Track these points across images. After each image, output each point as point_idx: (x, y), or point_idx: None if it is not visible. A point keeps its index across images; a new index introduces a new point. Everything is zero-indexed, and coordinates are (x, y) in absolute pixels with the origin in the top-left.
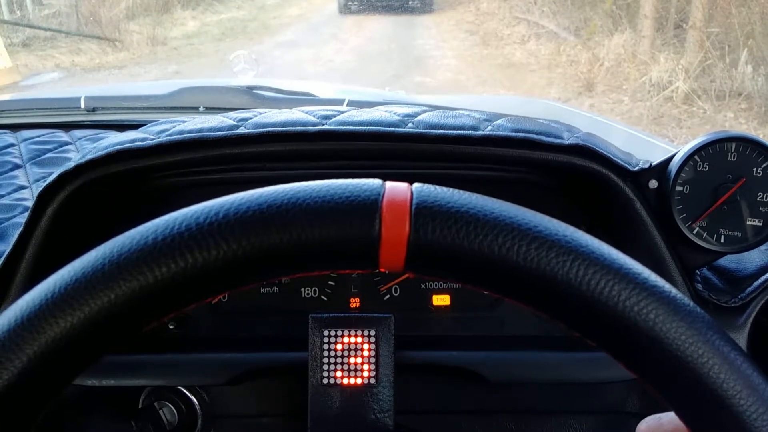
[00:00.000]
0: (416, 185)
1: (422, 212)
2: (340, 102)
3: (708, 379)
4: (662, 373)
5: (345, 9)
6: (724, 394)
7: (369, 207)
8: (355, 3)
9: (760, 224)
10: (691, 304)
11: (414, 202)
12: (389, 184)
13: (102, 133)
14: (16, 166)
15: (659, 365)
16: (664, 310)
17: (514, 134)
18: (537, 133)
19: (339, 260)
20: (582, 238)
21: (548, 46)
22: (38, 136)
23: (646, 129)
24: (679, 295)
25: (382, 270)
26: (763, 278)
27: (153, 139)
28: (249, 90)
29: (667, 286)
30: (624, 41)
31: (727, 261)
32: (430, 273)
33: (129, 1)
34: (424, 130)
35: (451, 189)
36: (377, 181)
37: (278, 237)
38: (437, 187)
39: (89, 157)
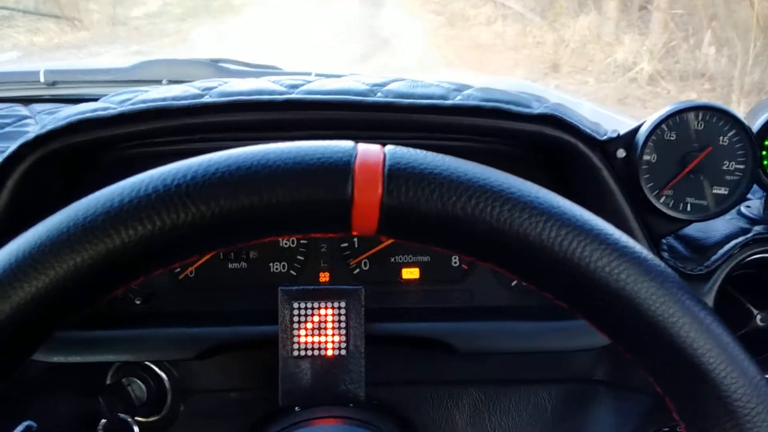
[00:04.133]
0: (389, 147)
1: (395, 174)
2: (307, 74)
3: (678, 338)
4: (633, 333)
5: None
6: (693, 353)
7: (341, 169)
8: None
9: (726, 192)
10: (662, 265)
11: (387, 164)
12: (362, 146)
13: (62, 106)
14: None
15: (630, 325)
16: (635, 271)
17: (483, 103)
18: (506, 102)
19: (310, 224)
20: (554, 200)
21: (514, 27)
22: None
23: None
24: (650, 255)
25: (354, 234)
26: (727, 246)
27: (115, 109)
28: (213, 63)
29: (638, 247)
30: (589, 22)
31: (693, 230)
32: (403, 236)
33: None
34: (392, 99)
35: (425, 151)
36: (349, 143)
37: (248, 199)
38: (410, 149)
39: (49, 127)
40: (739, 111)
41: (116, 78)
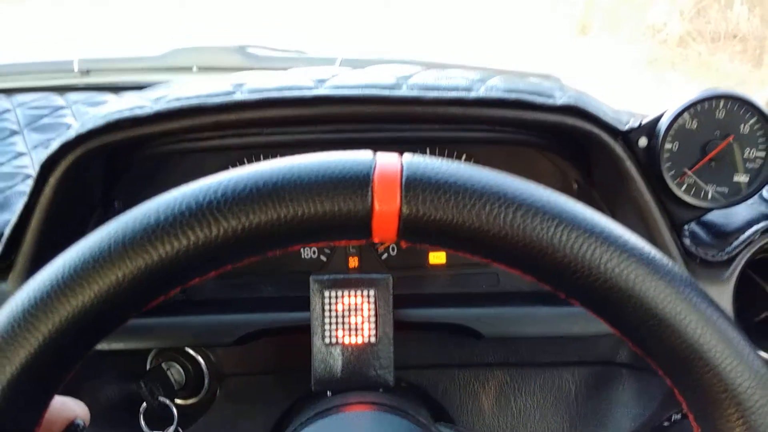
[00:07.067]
0: (406, 156)
1: (412, 184)
2: (332, 61)
3: (685, 335)
4: (642, 330)
5: None
6: (701, 348)
7: (361, 180)
8: None
9: (747, 180)
10: (670, 263)
11: (404, 174)
12: (380, 156)
13: (96, 95)
14: (14, 132)
15: (640, 323)
16: (643, 270)
17: (506, 95)
18: (529, 93)
19: (334, 232)
20: (565, 204)
21: None
22: (33, 101)
23: (640, 73)
24: (658, 255)
25: (375, 241)
26: (748, 232)
27: (151, 107)
28: (241, 49)
29: (646, 247)
30: None
31: (715, 216)
32: (422, 242)
33: None
34: (419, 93)
35: (440, 159)
36: (368, 154)
37: (275, 213)
38: (426, 157)
39: (89, 126)
40: None
41: (148, 65)
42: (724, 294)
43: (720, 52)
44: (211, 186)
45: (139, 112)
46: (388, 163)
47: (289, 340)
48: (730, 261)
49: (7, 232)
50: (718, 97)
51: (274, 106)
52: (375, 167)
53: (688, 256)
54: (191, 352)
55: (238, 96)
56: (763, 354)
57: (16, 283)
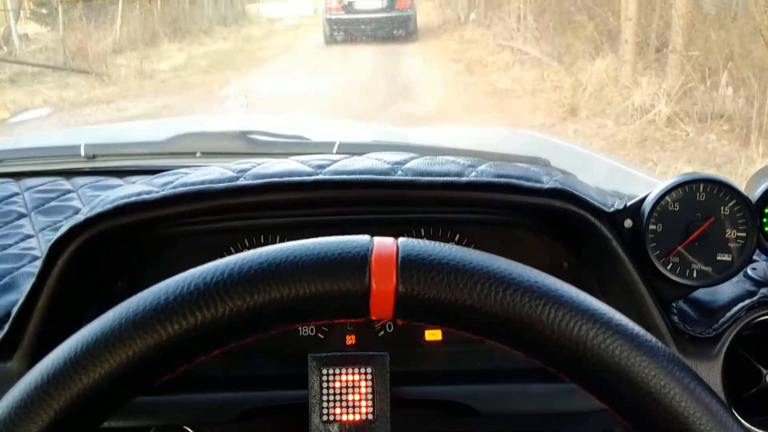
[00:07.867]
0: (401, 240)
1: (407, 266)
2: (330, 145)
3: (671, 408)
4: (629, 403)
5: (330, 39)
6: (685, 421)
7: (359, 263)
8: (341, 33)
9: (729, 259)
10: (653, 339)
11: (400, 256)
12: (377, 239)
13: (102, 179)
14: (21, 215)
15: (626, 396)
16: (629, 347)
17: (496, 180)
18: (518, 177)
19: (333, 311)
20: (552, 284)
21: (532, 72)
22: (41, 185)
23: (630, 153)
24: (642, 331)
25: (373, 318)
26: (734, 309)
27: (158, 192)
28: (243, 135)
29: (630, 324)
30: (606, 66)
31: (701, 293)
32: (417, 319)
33: (116, 35)
34: (412, 178)
35: (434, 242)
36: (366, 238)
37: (278, 293)
38: (420, 240)
39: (97, 210)
40: (758, 151)
41: (153, 150)
42: (713, 370)
43: (708, 132)
44: (219, 267)
45: (146, 197)
46: (384, 245)
47: (288, 418)
48: (718, 337)
49: (14, 312)
50: (698, 181)
51: (275, 190)
52: (372, 249)
53: (676, 332)
54: (189, 430)
55: (242, 181)
56: (751, 428)
57: (21, 362)
